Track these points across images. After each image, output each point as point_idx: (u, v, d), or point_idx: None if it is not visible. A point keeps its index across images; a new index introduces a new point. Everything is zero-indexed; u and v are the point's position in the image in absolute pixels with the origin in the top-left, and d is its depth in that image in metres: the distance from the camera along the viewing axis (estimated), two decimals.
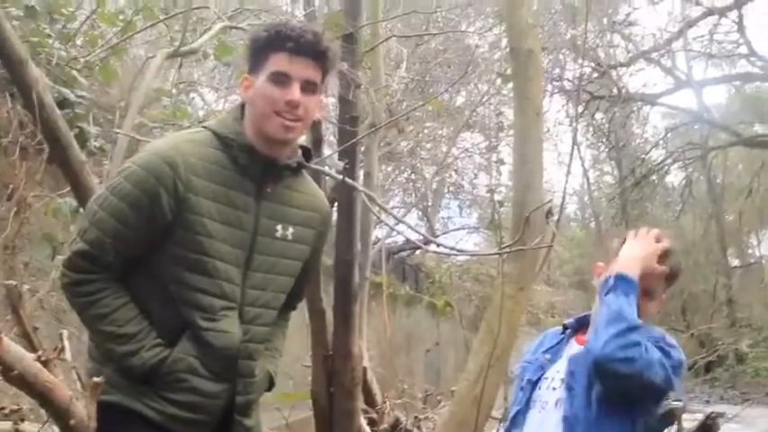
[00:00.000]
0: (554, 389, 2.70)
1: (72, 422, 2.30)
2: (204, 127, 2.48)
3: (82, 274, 2.27)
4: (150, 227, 2.27)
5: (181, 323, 2.30)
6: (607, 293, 2.56)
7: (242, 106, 2.49)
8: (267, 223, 2.42)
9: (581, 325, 2.86)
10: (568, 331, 2.88)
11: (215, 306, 2.31)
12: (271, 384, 2.57)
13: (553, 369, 2.76)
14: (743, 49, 23.28)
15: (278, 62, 2.37)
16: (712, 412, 2.36)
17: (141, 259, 2.31)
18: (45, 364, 2.45)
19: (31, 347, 3.30)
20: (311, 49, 2.41)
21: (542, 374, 2.79)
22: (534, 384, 2.78)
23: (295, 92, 2.37)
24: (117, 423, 2.28)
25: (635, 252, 2.63)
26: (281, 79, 2.37)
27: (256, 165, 2.39)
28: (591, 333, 2.56)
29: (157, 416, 2.27)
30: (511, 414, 2.85)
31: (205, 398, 2.33)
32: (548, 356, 2.83)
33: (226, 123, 2.45)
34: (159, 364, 2.27)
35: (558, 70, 17.94)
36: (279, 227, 2.45)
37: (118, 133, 4.65)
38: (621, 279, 2.54)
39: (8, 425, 3.68)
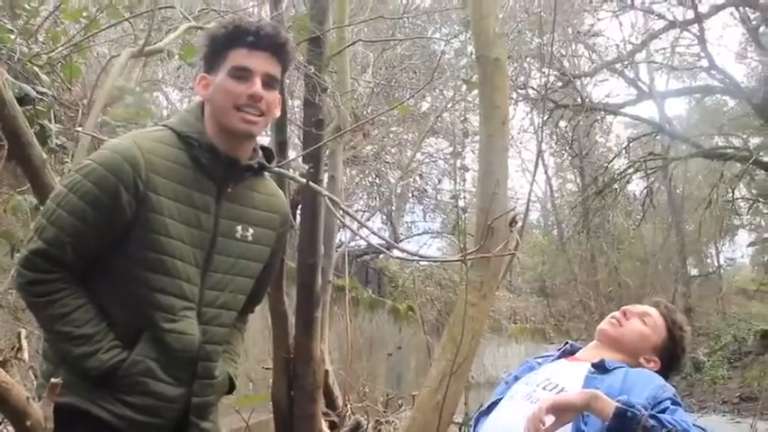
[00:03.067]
0: (526, 384, 2.73)
1: (28, 423, 2.25)
2: (165, 125, 2.45)
3: (39, 273, 2.22)
4: (110, 226, 2.23)
5: (140, 325, 2.27)
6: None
7: (202, 104, 2.47)
8: (227, 224, 2.39)
9: (574, 350, 2.91)
10: (564, 350, 2.94)
11: (175, 306, 2.28)
12: (231, 387, 2.54)
13: (535, 372, 2.80)
14: (704, 62, 23.60)
15: (238, 57, 2.35)
16: (669, 427, 2.35)
17: (100, 260, 2.26)
18: (2, 364, 2.41)
19: None
20: (271, 42, 2.40)
21: (525, 376, 2.84)
22: (517, 378, 2.85)
23: (257, 85, 2.36)
24: (70, 425, 2.23)
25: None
26: (241, 74, 2.35)
27: (218, 165, 2.36)
28: None
29: (112, 418, 2.23)
30: (488, 402, 2.88)
31: (162, 401, 2.29)
32: (539, 361, 2.89)
33: (187, 122, 2.42)
34: (116, 367, 2.22)
35: (522, 78, 18.07)
36: (239, 227, 2.42)
37: (80, 132, 4.60)
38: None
39: None
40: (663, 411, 2.42)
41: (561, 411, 2.33)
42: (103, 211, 2.22)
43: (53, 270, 2.22)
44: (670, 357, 2.88)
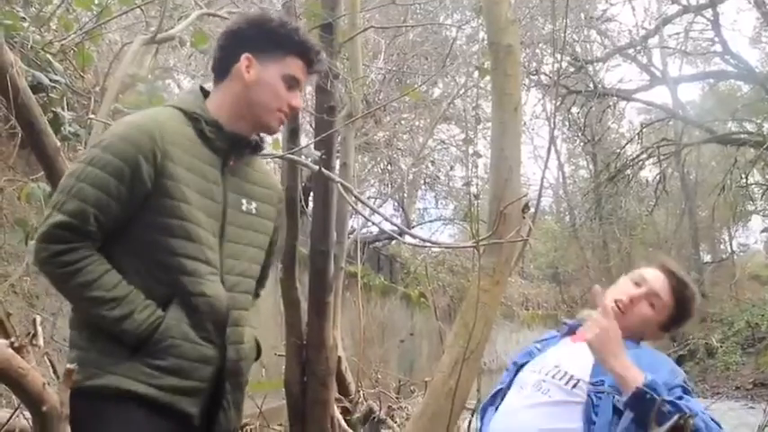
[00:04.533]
0: (534, 372, 2.70)
1: (44, 408, 2.26)
2: (169, 105, 2.51)
3: (63, 244, 2.22)
4: (131, 196, 2.25)
5: (165, 293, 2.28)
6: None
7: (200, 88, 2.54)
8: (234, 197, 2.45)
9: (573, 328, 2.84)
10: (563, 331, 2.89)
11: (201, 271, 2.31)
12: (258, 352, 2.59)
13: (540, 357, 2.77)
14: (717, 47, 23.51)
15: (296, 67, 2.46)
16: (685, 413, 2.35)
17: (118, 233, 2.29)
18: (18, 350, 2.42)
19: (4, 333, 3.28)
20: (319, 67, 2.56)
21: (529, 360, 2.81)
22: (520, 367, 2.80)
23: (300, 100, 2.53)
24: (108, 408, 2.23)
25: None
26: (293, 84, 2.47)
27: (223, 139, 2.43)
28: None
29: (152, 390, 2.23)
30: (492, 391, 2.87)
31: (198, 362, 2.30)
32: (538, 346, 2.85)
33: (190, 101, 2.49)
34: (154, 327, 2.24)
35: (535, 64, 18.02)
36: (244, 200, 2.49)
37: (93, 119, 4.61)
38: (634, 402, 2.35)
39: None
40: (678, 397, 2.42)
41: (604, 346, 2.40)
42: (125, 182, 2.24)
43: (76, 240, 2.23)
44: (675, 323, 2.83)
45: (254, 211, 2.51)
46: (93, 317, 2.26)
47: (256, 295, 2.66)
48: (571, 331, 2.85)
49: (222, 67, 2.50)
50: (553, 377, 2.60)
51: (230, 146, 2.44)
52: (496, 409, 2.77)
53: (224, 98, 2.47)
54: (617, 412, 2.42)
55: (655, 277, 2.74)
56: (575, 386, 2.55)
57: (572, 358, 2.63)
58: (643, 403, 2.31)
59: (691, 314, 2.81)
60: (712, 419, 2.42)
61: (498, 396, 2.80)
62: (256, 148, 2.56)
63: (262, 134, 2.59)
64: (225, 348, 2.37)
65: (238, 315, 2.42)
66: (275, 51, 2.44)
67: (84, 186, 2.24)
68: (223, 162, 2.44)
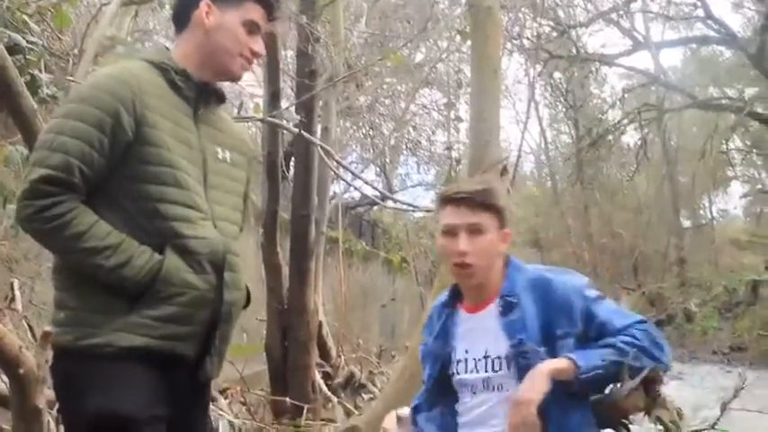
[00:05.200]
0: (470, 372, 2.60)
1: (21, 371, 2.25)
2: (137, 59, 2.50)
3: (48, 198, 2.16)
4: (113, 147, 2.21)
5: (155, 243, 2.24)
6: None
7: (166, 48, 2.55)
8: (209, 145, 2.45)
9: (455, 295, 2.69)
10: (448, 310, 2.68)
11: (192, 216, 2.29)
12: (248, 300, 2.58)
13: (460, 351, 2.59)
14: (700, 12, 23.45)
15: (255, 13, 2.46)
16: (655, 365, 2.38)
17: (100, 187, 2.26)
18: None
19: None
20: (279, 11, 2.59)
21: (442, 366, 2.68)
22: (438, 377, 2.64)
23: (262, 45, 2.51)
24: (103, 366, 2.17)
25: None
26: (253, 29, 2.47)
27: (191, 87, 2.42)
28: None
29: (152, 341, 2.19)
30: (414, 402, 2.78)
31: (198, 309, 2.29)
32: (439, 342, 2.66)
33: (156, 54, 2.48)
34: (155, 272, 2.20)
35: (517, 29, 17.92)
36: (218, 149, 2.48)
37: (71, 81, 4.57)
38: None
39: None
40: (594, 316, 2.44)
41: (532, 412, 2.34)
42: (107, 132, 2.20)
43: (62, 193, 2.17)
44: (501, 215, 2.58)
45: (228, 160, 2.50)
46: (89, 268, 2.20)
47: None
48: (456, 299, 2.75)
49: (183, 16, 2.48)
50: (493, 370, 2.53)
51: (198, 94, 2.44)
52: (435, 412, 2.68)
53: (187, 47, 2.45)
54: None
55: (453, 212, 2.56)
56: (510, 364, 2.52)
57: (486, 336, 2.53)
58: (594, 381, 2.34)
59: (502, 197, 2.60)
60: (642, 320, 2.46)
61: (424, 405, 2.70)
62: (221, 97, 2.56)
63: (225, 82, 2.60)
64: (222, 293, 2.35)
65: (233, 259, 2.41)
66: None
67: (66, 139, 2.19)
68: (194, 111, 2.43)
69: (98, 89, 2.27)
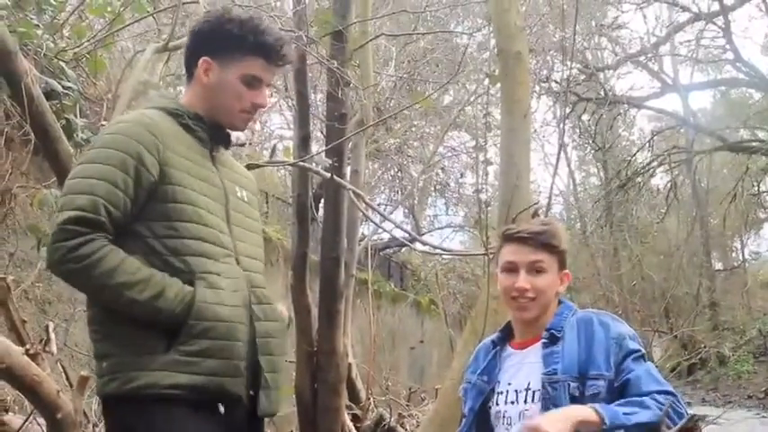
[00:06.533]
0: (511, 403, 2.62)
1: (59, 415, 2.27)
2: (147, 108, 2.55)
3: (78, 238, 2.20)
4: (138, 188, 2.27)
5: (184, 279, 2.27)
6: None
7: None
8: (228, 183, 2.51)
9: (507, 333, 2.75)
10: (498, 347, 2.73)
11: (218, 253, 2.34)
12: (289, 322, 2.62)
13: (503, 383, 2.63)
14: (729, 55, 23.46)
15: (255, 67, 2.47)
16: (695, 415, 2.35)
17: (127, 228, 2.29)
18: (33, 357, 2.43)
19: (19, 340, 3.29)
20: (286, 60, 2.56)
21: (485, 400, 2.69)
22: (478, 412, 2.66)
23: (266, 97, 2.53)
24: (153, 408, 2.20)
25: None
26: (254, 83, 2.48)
27: (205, 129, 2.48)
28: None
29: (194, 377, 2.21)
30: None
31: (231, 341, 2.29)
32: (485, 378, 2.70)
33: (164, 101, 2.54)
34: (188, 304, 2.23)
35: (545, 71, 18.00)
36: (237, 188, 2.55)
37: (106, 126, 4.64)
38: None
39: None
40: (628, 372, 2.41)
41: None
42: (131, 174, 2.26)
43: (91, 233, 2.21)
44: (562, 258, 2.64)
45: (245, 199, 2.57)
46: (123, 304, 2.22)
47: None
48: (506, 337, 2.76)
49: (188, 68, 2.54)
50: (532, 401, 2.54)
51: (211, 136, 2.50)
52: None
53: (192, 98, 2.52)
54: (574, 401, 2.40)
55: (516, 250, 2.62)
56: None
57: (529, 369, 2.57)
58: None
59: (563, 240, 2.66)
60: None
61: None
62: (228, 141, 2.60)
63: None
64: (253, 326, 2.37)
65: (260, 292, 2.44)
66: (234, 52, 2.46)
67: (92, 181, 2.24)
68: (210, 152, 2.49)
69: (120, 134, 2.33)
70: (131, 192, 2.26)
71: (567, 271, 2.66)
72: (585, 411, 2.31)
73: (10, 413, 3.73)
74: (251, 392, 2.37)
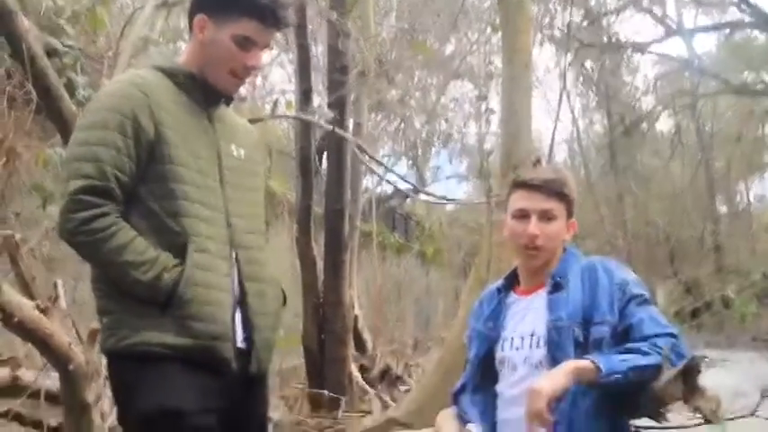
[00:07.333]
0: (516, 349, 2.64)
1: (71, 367, 2.33)
2: (145, 68, 2.57)
3: (91, 209, 2.25)
4: (138, 148, 2.30)
5: (181, 241, 2.31)
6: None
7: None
8: (223, 143, 2.51)
9: (512, 280, 2.76)
10: (502, 294, 2.81)
11: (208, 216, 2.37)
12: (284, 299, 2.63)
13: (508, 330, 2.65)
14: None
15: (249, 28, 2.45)
16: (695, 356, 2.39)
17: (131, 193, 2.32)
18: (43, 312, 2.48)
19: (29, 296, 3.35)
20: (282, 23, 2.53)
21: (490, 346, 2.72)
22: (483, 358, 2.68)
23: (258, 59, 2.52)
24: (145, 365, 2.27)
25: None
26: (247, 44, 2.46)
27: (198, 90, 2.48)
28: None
29: (183, 339, 2.27)
30: (459, 384, 2.81)
31: (218, 305, 2.33)
32: (490, 325, 2.72)
33: (161, 60, 2.57)
34: (179, 280, 2.27)
35: (548, 18, 17.85)
36: (233, 146, 2.55)
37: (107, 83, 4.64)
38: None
39: (5, 371, 3.73)
40: (631, 317, 2.44)
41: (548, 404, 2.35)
42: (129, 135, 2.29)
43: (104, 203, 2.26)
44: (570, 207, 2.65)
45: (242, 157, 2.56)
46: (127, 282, 2.29)
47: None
48: (511, 284, 2.78)
49: (189, 24, 2.55)
50: (537, 346, 2.57)
51: (206, 95, 2.50)
52: (478, 396, 2.72)
53: (188, 55, 2.53)
54: (578, 346, 2.43)
55: (527, 197, 2.63)
56: None
57: (534, 315, 2.59)
58: (615, 385, 2.33)
59: (573, 188, 2.72)
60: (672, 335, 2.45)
61: (469, 386, 2.76)
62: (229, 98, 2.61)
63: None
64: (243, 287, 2.42)
65: (248, 254, 2.47)
66: (230, 12, 2.45)
67: (95, 148, 2.28)
68: (207, 111, 2.50)
69: (113, 96, 2.36)
70: (133, 153, 2.30)
71: (573, 220, 2.68)
72: (581, 362, 2.36)
73: (22, 368, 3.81)
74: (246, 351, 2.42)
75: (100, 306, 2.37)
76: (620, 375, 2.32)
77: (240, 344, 2.39)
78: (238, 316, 2.40)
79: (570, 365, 2.37)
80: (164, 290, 2.26)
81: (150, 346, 2.26)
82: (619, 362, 2.34)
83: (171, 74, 2.46)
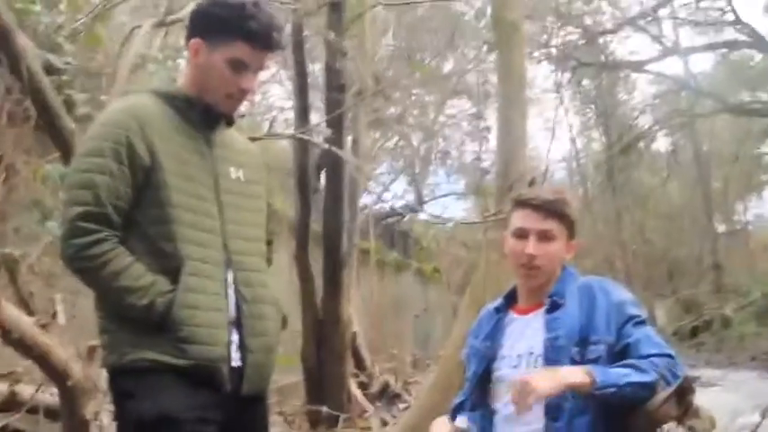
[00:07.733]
0: (514, 368, 2.65)
1: (69, 383, 2.34)
2: (140, 92, 2.62)
3: (89, 236, 2.31)
4: (134, 175, 2.35)
5: (175, 265, 2.35)
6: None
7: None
8: (221, 166, 2.53)
9: (510, 299, 2.78)
10: (501, 313, 2.82)
11: (204, 239, 2.39)
12: (284, 322, 2.65)
13: (506, 348, 2.66)
14: (729, 17, 23.30)
15: (241, 51, 2.48)
16: (688, 376, 2.39)
17: (128, 218, 2.37)
18: (42, 328, 2.49)
19: (28, 312, 3.36)
20: (274, 46, 2.56)
21: (488, 364, 2.72)
22: (481, 376, 2.69)
23: (252, 82, 2.54)
24: (147, 378, 2.31)
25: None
26: (240, 67, 2.49)
27: (195, 113, 2.51)
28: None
29: (180, 360, 2.30)
30: (457, 400, 2.82)
31: (214, 328, 2.36)
32: (488, 343, 2.73)
33: (159, 85, 2.57)
34: (170, 306, 2.30)
35: (545, 37, 17.93)
36: (231, 168, 2.56)
37: (106, 100, 4.67)
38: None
39: (4, 387, 3.74)
40: (628, 337, 2.45)
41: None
42: (124, 162, 2.34)
43: (101, 230, 2.31)
44: (572, 229, 2.67)
45: (242, 179, 2.57)
46: (123, 305, 2.34)
47: (267, 261, 2.72)
48: (510, 303, 2.79)
49: (187, 46, 2.57)
50: (534, 365, 2.56)
51: (204, 118, 2.52)
52: (476, 414, 2.72)
53: (186, 79, 2.57)
54: (575, 365, 2.42)
55: (526, 216, 2.65)
56: None
57: (532, 335, 2.60)
58: (610, 398, 2.35)
59: (574, 209, 2.72)
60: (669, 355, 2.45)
61: (467, 404, 2.78)
62: (230, 120, 2.63)
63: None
64: (240, 309, 2.44)
65: (246, 276, 2.49)
66: (223, 36, 2.47)
67: (92, 176, 2.34)
68: (204, 134, 2.52)
69: (106, 124, 2.41)
70: (129, 179, 2.35)
71: (574, 241, 2.68)
72: (577, 373, 2.36)
73: (21, 383, 3.81)
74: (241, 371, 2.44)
75: (101, 325, 2.41)
76: (615, 389, 2.33)
77: (235, 363, 2.40)
78: (235, 337, 2.42)
79: (564, 373, 2.37)
80: (157, 314, 2.30)
81: (150, 362, 2.30)
82: (615, 375, 2.36)
83: (168, 98, 2.50)
